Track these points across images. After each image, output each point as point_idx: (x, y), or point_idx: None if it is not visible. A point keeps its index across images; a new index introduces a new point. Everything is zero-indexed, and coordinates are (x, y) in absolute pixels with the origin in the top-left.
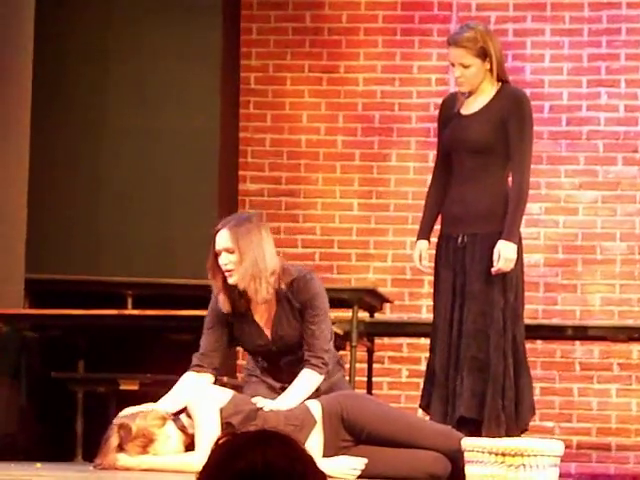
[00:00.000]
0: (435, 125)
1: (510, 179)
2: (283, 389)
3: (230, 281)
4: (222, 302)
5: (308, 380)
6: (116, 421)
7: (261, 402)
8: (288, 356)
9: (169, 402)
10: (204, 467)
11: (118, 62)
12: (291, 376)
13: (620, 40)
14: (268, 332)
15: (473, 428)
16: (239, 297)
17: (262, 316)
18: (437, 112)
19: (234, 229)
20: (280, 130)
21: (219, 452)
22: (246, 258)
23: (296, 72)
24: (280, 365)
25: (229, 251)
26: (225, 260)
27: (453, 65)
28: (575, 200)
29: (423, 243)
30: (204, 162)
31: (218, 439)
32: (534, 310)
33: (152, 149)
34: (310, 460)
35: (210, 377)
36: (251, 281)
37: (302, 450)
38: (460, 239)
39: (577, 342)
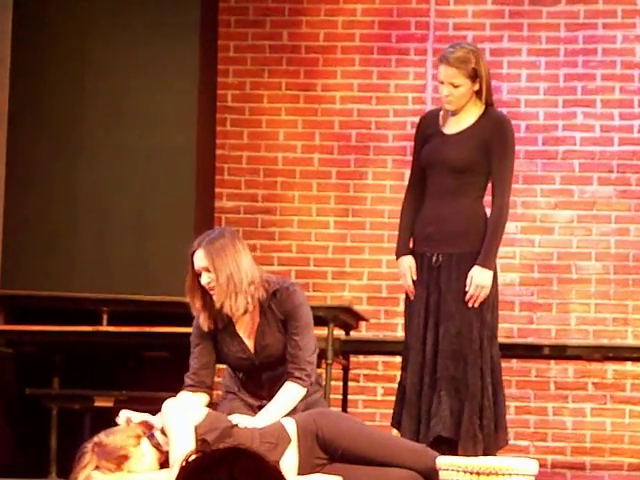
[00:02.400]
0: (411, 144)
1: (487, 199)
2: (261, 407)
3: (214, 298)
4: (202, 321)
5: (290, 394)
6: (91, 439)
7: (240, 420)
8: (270, 371)
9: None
10: None
11: (95, 78)
12: (271, 392)
13: (596, 60)
14: (251, 344)
15: (447, 448)
16: (220, 312)
17: (245, 328)
18: (413, 131)
19: (208, 247)
20: (257, 148)
21: (188, 469)
22: (221, 276)
23: (273, 90)
24: (261, 381)
25: (207, 270)
26: (205, 279)
27: (442, 83)
28: (551, 219)
29: (409, 259)
30: (180, 179)
31: (187, 456)
32: (509, 329)
33: (129, 166)
34: (278, 477)
35: (205, 397)
36: (226, 299)
37: (270, 467)
38: (435, 258)
39: (552, 361)
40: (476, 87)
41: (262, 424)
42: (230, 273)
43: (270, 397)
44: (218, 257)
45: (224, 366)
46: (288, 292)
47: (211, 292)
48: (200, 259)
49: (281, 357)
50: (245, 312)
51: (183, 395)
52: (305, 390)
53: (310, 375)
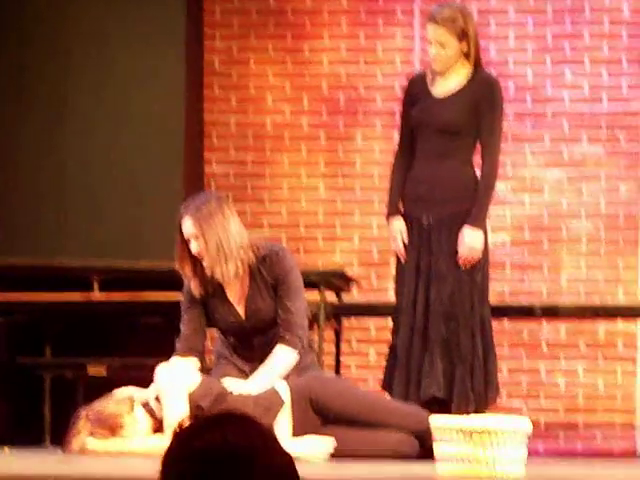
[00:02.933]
0: (400, 106)
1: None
2: (253, 372)
3: (204, 264)
4: (194, 287)
5: (282, 358)
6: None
7: (231, 386)
8: (261, 335)
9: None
10: (167, 449)
11: (81, 46)
12: (263, 356)
13: (584, 19)
14: (241, 309)
15: (440, 408)
16: (211, 278)
17: (236, 293)
18: (402, 92)
19: (195, 215)
20: (245, 112)
21: (180, 434)
22: (210, 243)
23: (260, 53)
24: (253, 345)
25: (196, 237)
26: (195, 247)
27: (430, 43)
28: (540, 179)
29: (400, 222)
30: (169, 145)
31: (180, 422)
32: (501, 290)
33: (117, 132)
34: (271, 438)
35: (196, 361)
36: (216, 265)
37: (263, 430)
38: (425, 220)
39: (544, 321)
40: (464, 47)
41: (254, 389)
42: (219, 239)
43: (262, 361)
44: (206, 224)
45: (216, 333)
46: (278, 257)
47: (201, 259)
48: (188, 227)
49: (271, 321)
50: (236, 277)
51: (176, 361)
52: (297, 354)
53: (302, 339)
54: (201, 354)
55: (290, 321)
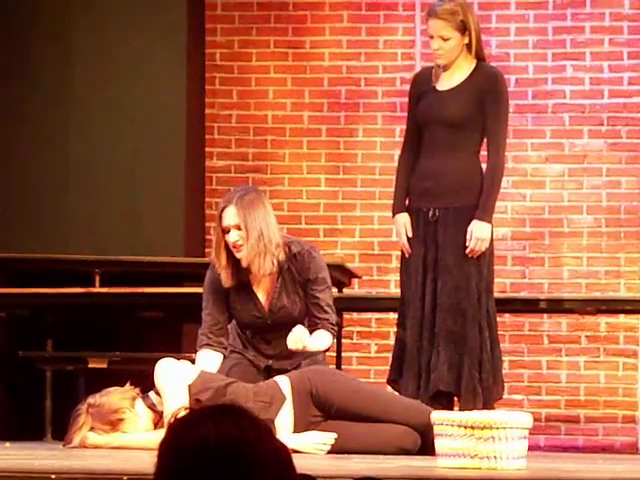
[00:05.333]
0: (401, 100)
1: (483, 154)
2: (267, 368)
3: (239, 256)
4: (225, 278)
5: (325, 338)
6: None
7: (297, 332)
8: (279, 331)
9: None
10: (161, 441)
11: (83, 38)
12: (276, 352)
13: (585, 13)
14: (266, 304)
15: (445, 402)
16: (241, 270)
17: (262, 288)
18: (403, 87)
19: (240, 205)
20: (246, 106)
21: (175, 426)
22: (252, 234)
23: (261, 48)
24: (269, 340)
25: (238, 227)
26: (235, 237)
27: (432, 37)
28: (542, 173)
29: (405, 216)
30: (170, 139)
31: (175, 413)
32: (502, 283)
33: (118, 126)
34: (265, 431)
35: (221, 357)
36: (255, 257)
37: (258, 422)
38: (431, 213)
39: (545, 315)
40: (466, 40)
41: (311, 345)
42: (261, 231)
43: (276, 356)
44: (250, 215)
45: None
46: (311, 257)
47: (235, 250)
48: (231, 216)
49: (293, 318)
50: (269, 272)
51: (204, 353)
52: (331, 342)
53: (335, 333)
54: (225, 349)
55: (327, 319)
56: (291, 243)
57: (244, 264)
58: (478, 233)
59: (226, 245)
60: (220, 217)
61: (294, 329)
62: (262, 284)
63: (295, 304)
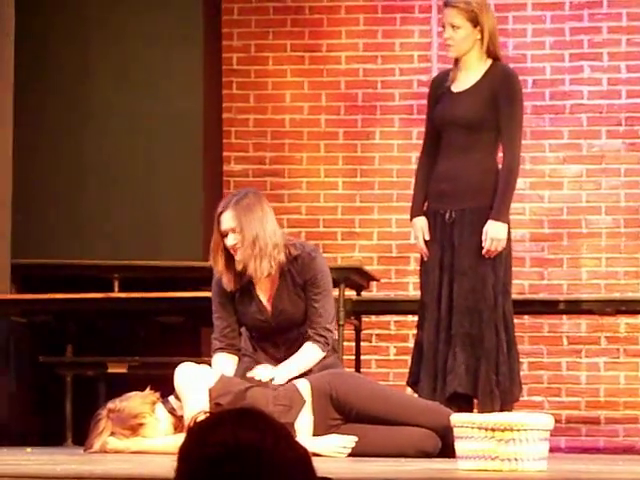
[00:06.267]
0: (418, 102)
1: (500, 155)
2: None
3: (237, 259)
4: (226, 282)
5: (310, 354)
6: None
7: (258, 373)
8: (285, 334)
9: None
10: (181, 446)
11: (100, 45)
12: (287, 355)
13: (602, 13)
14: (269, 306)
15: (464, 404)
16: (241, 273)
17: (264, 290)
18: (420, 89)
19: (236, 209)
20: (263, 110)
21: (194, 429)
22: (247, 237)
23: (278, 52)
24: (277, 342)
25: (234, 231)
26: (232, 240)
27: (444, 27)
28: (560, 174)
29: (422, 220)
30: (188, 144)
31: (195, 417)
32: (521, 285)
33: (136, 132)
34: (285, 435)
35: (236, 359)
36: (250, 260)
37: (276, 425)
38: (448, 215)
39: (564, 316)
40: (477, 35)
41: (279, 377)
42: (256, 235)
43: (286, 359)
44: (245, 218)
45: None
46: (310, 257)
47: (234, 253)
48: (228, 220)
49: (297, 321)
50: (267, 275)
51: (220, 357)
52: (323, 354)
53: (328, 342)
54: (239, 350)
55: (318, 323)
56: (293, 245)
57: (238, 267)
58: (493, 233)
59: (224, 249)
60: (218, 221)
61: (256, 370)
62: (264, 287)
63: (297, 306)
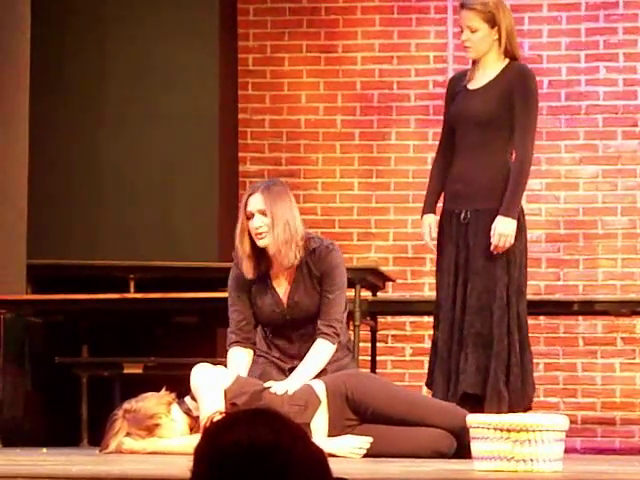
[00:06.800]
0: (434, 103)
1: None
2: (292, 370)
3: (261, 244)
4: (246, 268)
5: (320, 352)
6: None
7: (273, 386)
8: (300, 328)
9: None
10: (197, 446)
11: (116, 45)
12: (301, 352)
13: (618, 14)
14: (285, 299)
15: (475, 404)
16: (262, 262)
17: (281, 283)
18: (436, 90)
19: (267, 192)
20: (279, 111)
21: (209, 430)
22: (279, 221)
23: (294, 52)
24: (291, 337)
25: (263, 213)
26: (259, 223)
27: (462, 29)
28: (575, 175)
29: (431, 217)
30: (204, 144)
31: (210, 417)
32: (536, 286)
33: (152, 132)
34: (300, 435)
35: (251, 353)
36: (283, 245)
37: (291, 425)
38: (463, 215)
39: (580, 317)
40: (495, 35)
41: (295, 387)
42: (287, 221)
43: (300, 355)
44: (275, 203)
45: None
46: (328, 250)
47: (257, 237)
48: (258, 202)
49: (312, 314)
50: (291, 264)
51: (236, 352)
52: (334, 347)
53: (338, 333)
54: (254, 344)
55: (329, 314)
56: (311, 239)
57: (271, 251)
58: (501, 229)
59: (249, 233)
60: (245, 204)
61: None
62: (281, 279)
63: (313, 299)
